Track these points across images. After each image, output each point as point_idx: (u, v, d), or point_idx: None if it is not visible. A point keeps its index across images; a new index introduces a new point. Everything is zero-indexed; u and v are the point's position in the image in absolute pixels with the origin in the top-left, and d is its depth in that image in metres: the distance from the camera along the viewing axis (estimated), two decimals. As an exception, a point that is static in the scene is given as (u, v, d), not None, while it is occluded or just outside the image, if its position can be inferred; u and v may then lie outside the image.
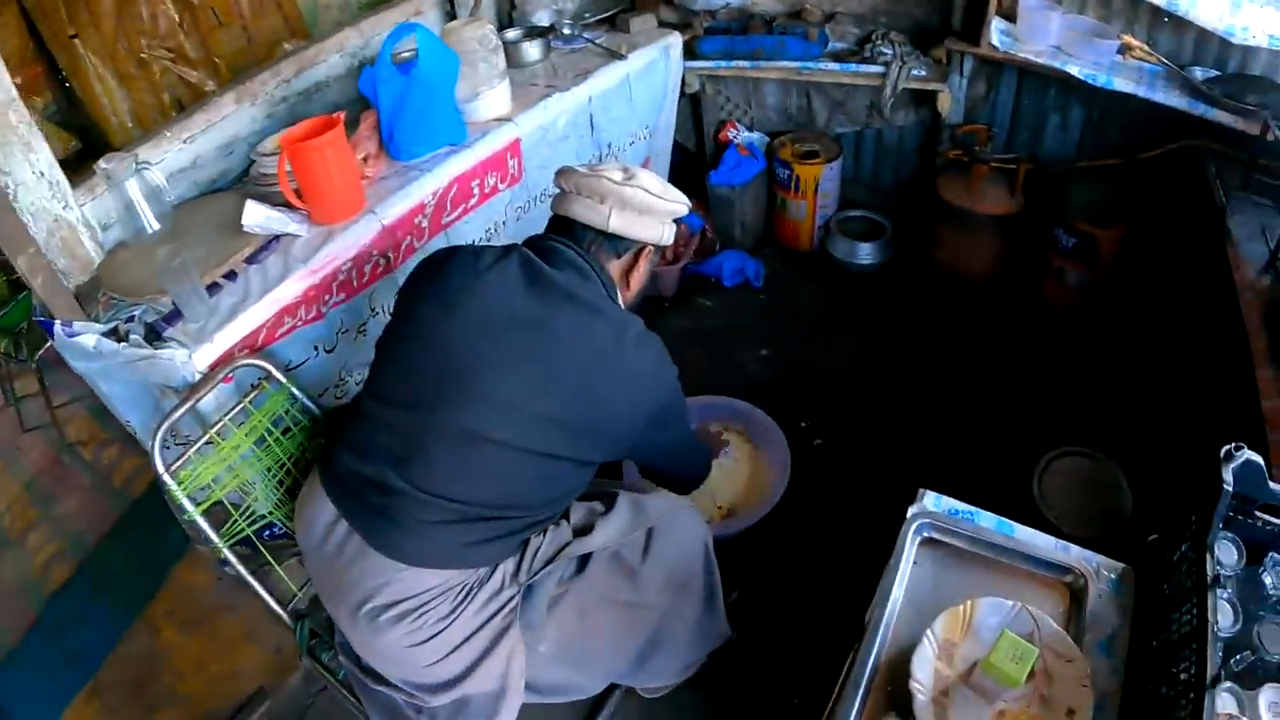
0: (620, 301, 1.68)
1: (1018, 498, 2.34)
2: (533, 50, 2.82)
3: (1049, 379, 3.02)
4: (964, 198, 3.16)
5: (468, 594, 1.52)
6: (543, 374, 1.47)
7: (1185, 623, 1.32)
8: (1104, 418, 2.74)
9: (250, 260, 1.97)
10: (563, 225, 1.65)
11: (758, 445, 2.62)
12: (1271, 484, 1.37)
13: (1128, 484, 2.42)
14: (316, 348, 2.08)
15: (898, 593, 1.50)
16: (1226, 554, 1.40)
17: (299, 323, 1.98)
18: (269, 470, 1.83)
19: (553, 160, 2.60)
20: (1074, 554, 1.55)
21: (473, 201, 2.42)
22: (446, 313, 1.51)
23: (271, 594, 1.80)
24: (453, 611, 1.50)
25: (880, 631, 1.44)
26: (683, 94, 3.44)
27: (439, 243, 2.32)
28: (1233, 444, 1.34)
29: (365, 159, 2.21)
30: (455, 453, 1.46)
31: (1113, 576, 1.55)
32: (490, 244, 1.65)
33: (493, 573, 1.56)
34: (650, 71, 3.03)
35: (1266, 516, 1.41)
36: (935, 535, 1.58)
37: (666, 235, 1.69)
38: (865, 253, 3.58)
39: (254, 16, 3.09)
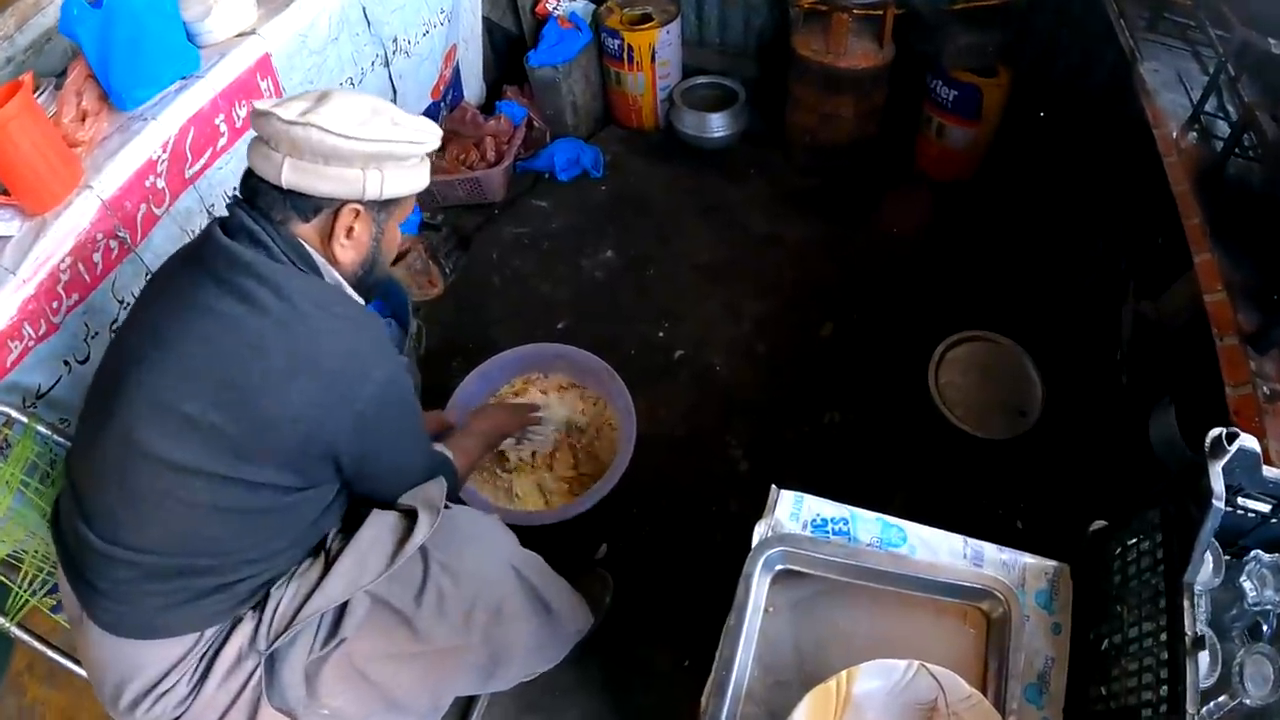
0: (334, 275, 1.28)
1: (914, 397, 2.22)
2: (295, -65, 2.34)
3: (937, 258, 2.79)
4: (824, 52, 2.81)
5: (205, 668, 1.25)
6: (189, 364, 1.15)
7: (1147, 684, 0.92)
8: (1002, 298, 2.55)
9: (-36, 280, 1.65)
10: (245, 181, 1.29)
11: (600, 394, 2.26)
12: (1265, 470, 0.95)
13: (1035, 368, 2.24)
14: (66, 362, 1.76)
15: (744, 658, 1.06)
16: (1201, 567, 0.99)
17: (30, 342, 1.67)
18: (44, 523, 1.56)
19: (321, 71, 2.29)
20: (989, 566, 1.14)
21: (221, 142, 2.03)
22: (140, 308, 1.28)
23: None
24: (191, 692, 1.24)
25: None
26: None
27: (190, 201, 1.98)
28: (1223, 430, 0.91)
29: (83, 118, 1.82)
30: (116, 479, 1.17)
31: (1042, 586, 1.14)
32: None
33: (228, 639, 1.25)
34: (438, -56, 2.65)
35: (1250, 504, 1.01)
36: (795, 567, 1.12)
37: (375, 186, 1.23)
38: (716, 124, 3.18)
39: (-9, -30, 2.81)
